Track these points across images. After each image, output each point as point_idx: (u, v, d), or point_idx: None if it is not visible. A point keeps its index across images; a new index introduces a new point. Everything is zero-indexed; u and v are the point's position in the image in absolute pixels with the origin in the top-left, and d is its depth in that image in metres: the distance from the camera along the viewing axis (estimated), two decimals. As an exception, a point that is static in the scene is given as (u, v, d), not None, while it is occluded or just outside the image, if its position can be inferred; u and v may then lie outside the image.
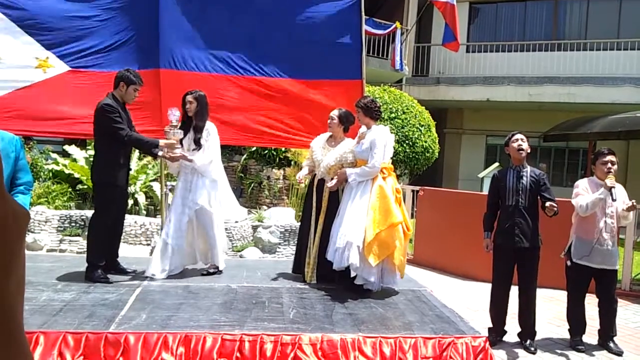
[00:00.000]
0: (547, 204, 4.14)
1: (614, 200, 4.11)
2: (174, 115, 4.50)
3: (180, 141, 4.61)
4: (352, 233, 4.24)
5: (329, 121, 4.77)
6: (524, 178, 4.29)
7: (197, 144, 4.67)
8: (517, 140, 4.36)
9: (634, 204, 4.25)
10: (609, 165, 4.23)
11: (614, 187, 4.09)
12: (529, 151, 4.39)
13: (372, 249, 4.20)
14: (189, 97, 4.68)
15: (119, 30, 5.46)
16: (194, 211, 4.66)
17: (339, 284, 4.50)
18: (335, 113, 4.76)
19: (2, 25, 5.15)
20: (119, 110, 4.39)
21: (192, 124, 4.72)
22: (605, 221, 4.26)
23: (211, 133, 4.73)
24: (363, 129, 4.64)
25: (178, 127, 4.53)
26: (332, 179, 4.60)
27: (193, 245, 4.78)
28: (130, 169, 4.72)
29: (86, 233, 6.78)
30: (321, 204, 4.72)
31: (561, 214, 5.15)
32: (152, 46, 5.43)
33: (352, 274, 4.28)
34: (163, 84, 5.45)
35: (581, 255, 4.30)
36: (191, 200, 4.65)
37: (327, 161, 4.67)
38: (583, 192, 4.31)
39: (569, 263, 4.42)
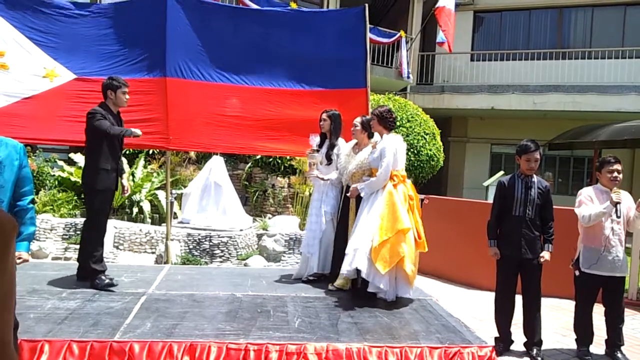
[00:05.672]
0: (542, 259, 4.18)
1: (618, 217, 4.07)
2: (314, 140, 4.94)
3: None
4: (359, 240, 4.27)
5: (352, 129, 4.87)
6: (532, 189, 4.25)
7: (329, 159, 4.98)
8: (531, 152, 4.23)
9: None
10: (615, 174, 4.19)
11: (619, 203, 4.06)
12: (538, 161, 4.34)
13: (379, 255, 4.19)
14: (324, 115, 5.05)
15: (124, 38, 5.50)
16: (326, 220, 4.95)
17: (358, 290, 4.49)
18: (358, 120, 4.86)
19: (12, 37, 5.21)
20: (104, 114, 4.41)
21: (325, 141, 5.06)
22: (612, 228, 4.21)
23: (341, 148, 5.01)
24: (376, 137, 4.68)
25: (318, 151, 5.00)
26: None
27: (326, 254, 4.99)
28: (121, 176, 4.73)
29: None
30: (348, 209, 4.80)
31: (566, 223, 5.11)
32: (159, 55, 5.47)
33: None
34: (169, 92, 5.48)
35: (589, 264, 4.23)
36: (324, 210, 4.95)
37: (349, 168, 4.77)
38: (586, 201, 4.24)
39: (577, 273, 4.37)
